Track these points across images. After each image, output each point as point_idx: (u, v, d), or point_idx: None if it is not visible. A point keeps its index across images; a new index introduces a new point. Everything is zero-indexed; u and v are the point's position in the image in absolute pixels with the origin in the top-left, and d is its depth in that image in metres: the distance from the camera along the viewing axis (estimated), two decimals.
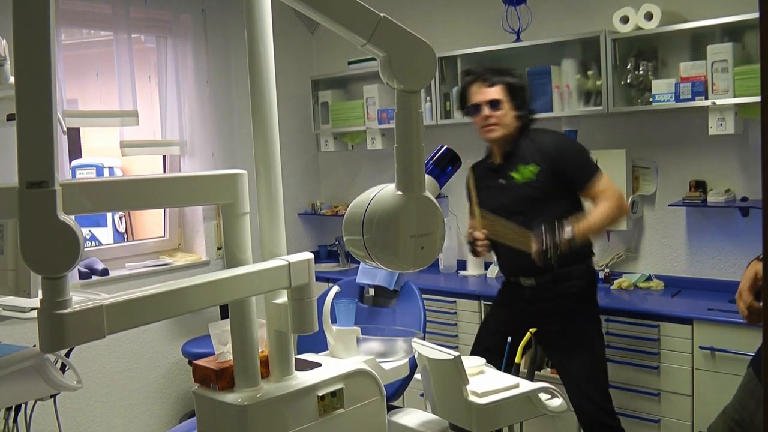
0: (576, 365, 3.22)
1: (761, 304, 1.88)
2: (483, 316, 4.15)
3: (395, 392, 3.06)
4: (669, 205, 3.94)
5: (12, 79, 2.48)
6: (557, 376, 3.72)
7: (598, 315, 3.32)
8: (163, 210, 4.99)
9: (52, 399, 2.51)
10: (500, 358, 2.50)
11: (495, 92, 3.24)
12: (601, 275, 4.12)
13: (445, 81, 4.60)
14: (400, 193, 1.49)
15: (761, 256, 1.99)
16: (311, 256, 1.62)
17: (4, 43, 2.52)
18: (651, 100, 3.76)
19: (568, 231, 2.99)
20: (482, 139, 3.35)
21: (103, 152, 6.36)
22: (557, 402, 2.02)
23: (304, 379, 1.69)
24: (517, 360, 2.53)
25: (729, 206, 3.70)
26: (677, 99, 3.64)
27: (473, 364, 2.10)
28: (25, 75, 1.12)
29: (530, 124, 3.32)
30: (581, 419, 3.25)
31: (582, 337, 3.22)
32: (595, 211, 3.12)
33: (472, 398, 1.91)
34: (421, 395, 2.21)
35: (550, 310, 3.19)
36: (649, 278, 4.07)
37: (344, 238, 1.58)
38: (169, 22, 4.62)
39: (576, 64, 4.08)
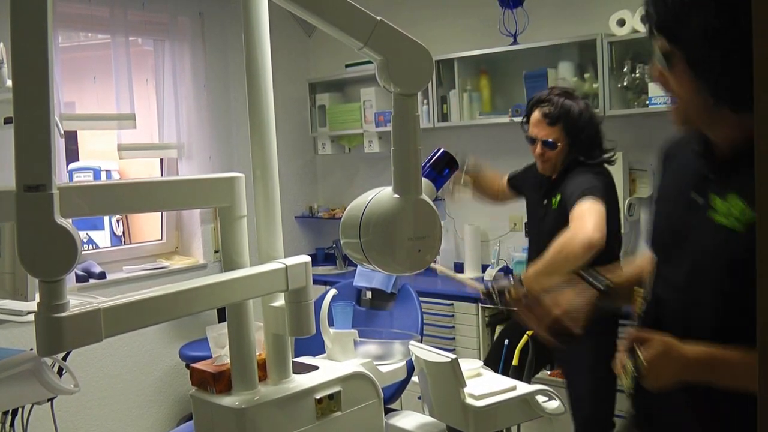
0: (582, 385, 3.19)
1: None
2: (481, 319, 4.15)
3: (393, 395, 3.06)
4: None
5: (9, 82, 2.48)
6: (555, 378, 3.73)
7: (615, 340, 3.26)
8: (160, 213, 4.99)
9: (49, 402, 2.51)
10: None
11: (552, 133, 3.10)
12: None
13: (442, 84, 4.61)
14: (397, 196, 1.49)
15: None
16: (308, 259, 1.62)
17: (2, 45, 2.52)
18: (647, 102, 3.77)
19: (517, 280, 2.91)
20: None
21: (100, 155, 6.37)
22: (555, 404, 2.02)
23: (301, 382, 1.69)
24: (514, 362, 2.53)
25: None
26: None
27: (470, 366, 2.10)
28: (23, 78, 1.12)
29: (585, 162, 3.12)
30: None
31: (595, 356, 3.18)
32: (544, 254, 2.79)
33: (470, 401, 1.91)
34: (419, 398, 2.21)
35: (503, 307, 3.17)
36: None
37: (341, 241, 1.58)
38: (166, 25, 4.62)
39: (573, 66, 4.09)
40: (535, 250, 3.17)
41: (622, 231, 3.99)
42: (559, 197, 3.11)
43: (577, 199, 2.90)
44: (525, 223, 3.47)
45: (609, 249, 2.85)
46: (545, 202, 3.22)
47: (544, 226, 3.19)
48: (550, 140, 3.10)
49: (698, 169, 1.60)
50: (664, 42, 1.47)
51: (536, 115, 3.15)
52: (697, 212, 1.55)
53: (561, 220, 2.99)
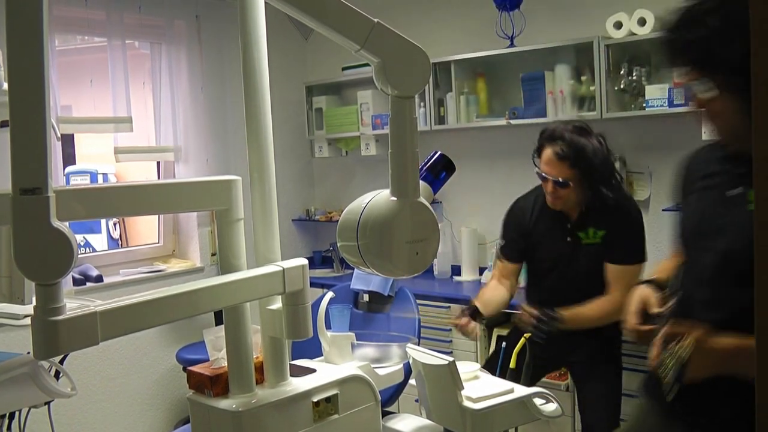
0: (594, 396, 3.19)
1: (649, 326, 1.89)
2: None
3: (390, 398, 3.06)
4: (663, 210, 3.95)
5: (5, 86, 2.48)
6: (552, 381, 3.73)
7: (620, 355, 3.28)
8: (157, 216, 4.98)
9: (46, 406, 2.50)
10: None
11: (564, 172, 2.98)
12: None
13: (439, 86, 4.61)
14: (395, 198, 1.49)
15: (646, 281, 2.01)
16: (305, 262, 1.62)
17: None
18: (644, 105, 3.78)
19: (557, 314, 2.94)
20: None
21: (97, 158, 6.36)
22: (552, 407, 2.02)
23: (298, 384, 1.69)
24: (511, 365, 2.53)
25: None
26: (670, 104, 3.66)
27: (468, 369, 2.10)
28: (19, 81, 1.11)
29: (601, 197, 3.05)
30: None
31: (605, 371, 3.19)
32: (594, 305, 2.99)
33: (467, 403, 1.91)
34: (416, 401, 2.21)
35: (578, 342, 3.15)
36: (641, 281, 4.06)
37: (338, 244, 1.58)
38: (163, 28, 4.62)
39: (570, 69, 4.09)
40: (561, 287, 3.14)
41: None
42: (600, 233, 3.06)
43: (632, 258, 3.02)
44: (538, 264, 3.26)
45: None
46: (569, 239, 3.12)
47: (575, 263, 3.12)
48: (561, 180, 2.99)
49: (730, 169, 1.70)
50: (707, 73, 1.56)
51: (548, 152, 3.02)
52: (734, 207, 1.64)
53: (601, 257, 3.05)
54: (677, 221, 1.96)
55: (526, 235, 3.25)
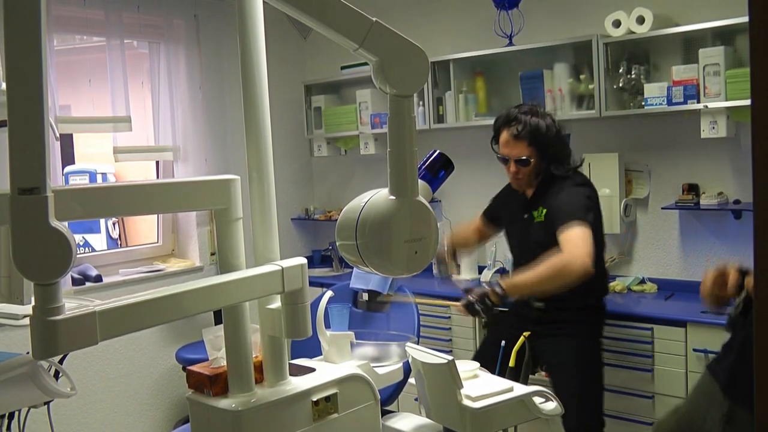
0: (567, 385, 3.18)
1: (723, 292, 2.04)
2: (477, 321, 4.15)
3: (389, 397, 3.06)
4: (662, 208, 3.95)
5: (3, 85, 2.48)
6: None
7: (600, 343, 3.30)
8: (156, 216, 4.98)
9: (46, 406, 2.50)
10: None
11: (524, 150, 3.14)
12: None
13: (437, 85, 4.61)
14: (393, 197, 1.49)
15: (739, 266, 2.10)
16: (304, 261, 1.62)
17: None
18: (643, 103, 3.77)
19: (495, 285, 2.96)
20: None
21: (96, 158, 6.36)
22: (551, 405, 2.03)
23: (298, 384, 1.69)
24: (510, 364, 2.53)
25: (722, 209, 3.71)
26: (669, 102, 3.65)
27: (467, 368, 2.10)
28: (17, 81, 1.11)
29: (561, 175, 3.19)
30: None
31: (580, 359, 3.19)
32: (535, 269, 2.95)
33: (466, 402, 1.91)
34: (416, 399, 2.21)
35: (555, 332, 3.16)
36: (642, 281, 4.07)
37: (337, 243, 1.58)
38: (161, 27, 4.62)
39: (568, 68, 4.09)
40: (521, 262, 3.22)
41: (617, 232, 4.03)
42: (544, 211, 3.17)
43: (565, 222, 2.99)
44: (508, 239, 3.49)
45: (597, 261, 3.04)
46: (526, 216, 3.26)
47: (529, 239, 3.24)
48: (523, 157, 3.15)
49: None
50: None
51: (505, 135, 3.20)
52: None
53: (549, 233, 3.08)
54: None
55: (500, 207, 3.55)
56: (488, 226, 3.64)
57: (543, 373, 3.67)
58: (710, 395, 2.17)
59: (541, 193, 3.22)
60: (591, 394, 3.20)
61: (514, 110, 3.23)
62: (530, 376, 3.25)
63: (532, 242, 3.20)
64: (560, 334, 3.15)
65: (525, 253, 3.23)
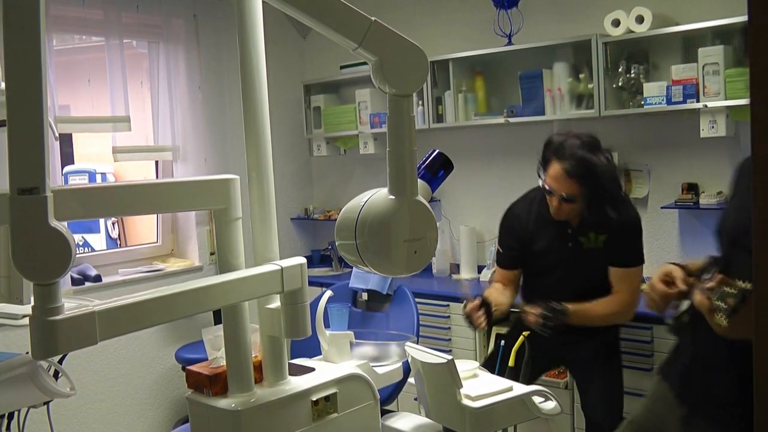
0: (595, 393, 3.21)
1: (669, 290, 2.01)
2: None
3: (389, 396, 3.06)
4: (661, 208, 3.95)
5: (3, 85, 2.48)
6: (551, 379, 3.73)
7: (620, 352, 3.32)
8: (155, 216, 4.98)
9: (46, 406, 2.50)
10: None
11: (572, 188, 2.94)
12: None
13: (437, 85, 4.61)
14: (393, 197, 1.49)
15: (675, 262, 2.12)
16: (304, 260, 1.62)
17: None
18: (643, 103, 3.77)
19: (562, 309, 2.96)
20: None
21: (95, 158, 6.36)
22: (551, 405, 2.03)
23: (297, 383, 1.69)
24: (510, 363, 2.53)
25: (721, 208, 3.69)
26: (669, 102, 3.65)
27: (467, 367, 2.10)
28: (16, 81, 1.11)
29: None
30: None
31: (604, 368, 3.20)
32: (600, 302, 3.03)
33: (466, 402, 1.91)
34: (415, 399, 2.21)
35: (578, 340, 3.15)
36: (642, 281, 4.07)
37: (337, 243, 1.58)
38: (160, 27, 4.62)
39: (568, 67, 4.09)
40: (568, 291, 3.07)
41: None
42: (603, 237, 3.06)
43: (634, 262, 3.10)
44: (538, 273, 3.25)
45: None
46: (570, 244, 3.11)
47: (578, 267, 3.12)
48: (568, 196, 2.96)
49: None
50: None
51: (556, 168, 2.96)
52: None
53: (606, 261, 3.09)
54: (728, 219, 2.15)
55: (524, 243, 3.22)
56: (514, 273, 3.31)
57: (547, 373, 3.67)
58: (665, 401, 2.14)
59: (592, 219, 3.04)
60: (616, 394, 3.23)
61: (570, 141, 2.98)
62: (540, 377, 3.26)
63: (582, 271, 3.11)
64: (584, 341, 3.17)
65: (569, 282, 3.12)
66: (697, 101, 3.56)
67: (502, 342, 2.75)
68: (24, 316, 2.44)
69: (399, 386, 2.91)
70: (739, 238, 2.03)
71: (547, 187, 3.01)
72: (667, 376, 2.18)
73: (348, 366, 1.91)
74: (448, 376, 1.92)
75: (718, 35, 3.60)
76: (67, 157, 6.06)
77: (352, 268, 3.44)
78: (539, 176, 3.08)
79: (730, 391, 1.91)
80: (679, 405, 2.08)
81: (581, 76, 4.06)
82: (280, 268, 1.55)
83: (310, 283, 3.00)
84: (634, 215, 3.12)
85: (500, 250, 3.32)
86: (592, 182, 2.93)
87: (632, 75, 3.88)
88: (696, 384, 2.02)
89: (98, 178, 6.29)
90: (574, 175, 2.92)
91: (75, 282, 4.21)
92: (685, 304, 2.01)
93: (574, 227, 3.10)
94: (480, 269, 4.66)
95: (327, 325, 2.12)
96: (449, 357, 1.93)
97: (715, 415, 1.97)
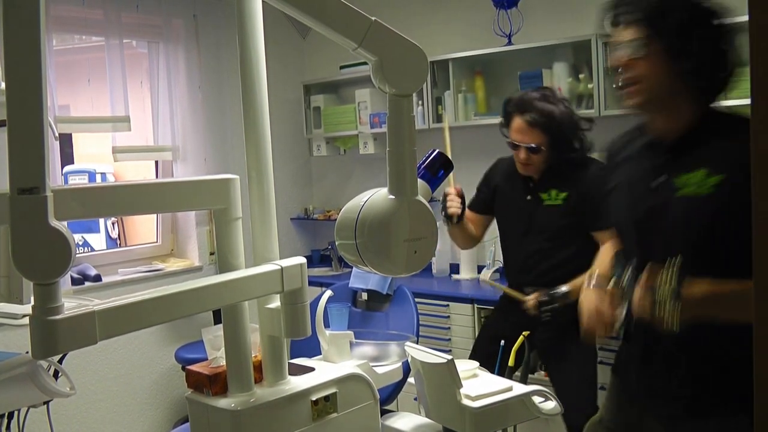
0: (567, 374, 3.21)
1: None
2: (476, 320, 4.15)
3: (389, 396, 3.06)
4: None
5: (2, 85, 2.48)
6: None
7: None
8: (155, 216, 4.98)
9: (45, 406, 2.50)
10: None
11: (536, 138, 3.11)
12: None
13: (437, 85, 4.61)
14: (393, 197, 1.49)
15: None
16: (304, 260, 1.62)
17: None
18: None
19: (563, 288, 3.00)
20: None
21: (95, 158, 6.36)
22: (551, 405, 2.02)
23: (297, 383, 1.69)
24: (510, 363, 2.53)
25: None
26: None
27: (467, 367, 2.10)
28: (16, 81, 1.11)
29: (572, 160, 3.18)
30: (567, 424, 3.24)
31: (576, 348, 3.19)
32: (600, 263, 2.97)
33: (466, 402, 1.91)
34: (415, 399, 2.21)
35: (551, 320, 3.16)
36: None
37: (337, 243, 1.58)
38: (160, 27, 4.62)
39: (567, 67, 4.09)
40: (531, 249, 3.22)
41: None
42: (564, 195, 3.15)
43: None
44: (501, 225, 3.44)
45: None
46: (529, 197, 3.24)
47: (539, 221, 3.21)
48: (534, 145, 3.11)
49: (652, 159, 1.94)
50: (642, 32, 1.80)
51: (519, 121, 3.14)
52: (662, 194, 1.88)
53: (572, 216, 3.11)
54: (613, 211, 2.11)
55: (492, 189, 3.44)
56: (479, 217, 3.52)
57: (542, 373, 3.68)
58: (623, 395, 2.16)
59: (553, 175, 3.18)
60: (588, 382, 3.24)
61: (528, 95, 3.18)
62: (529, 375, 3.26)
63: (541, 226, 3.20)
64: (556, 322, 3.13)
65: (530, 238, 3.23)
66: None
67: (502, 342, 2.75)
68: (24, 315, 2.44)
69: (399, 386, 2.91)
70: (620, 226, 2.07)
71: (513, 142, 3.18)
72: (618, 371, 2.18)
73: (348, 366, 1.91)
74: (448, 376, 1.92)
75: None
76: (67, 157, 6.06)
77: (351, 267, 3.44)
78: (504, 135, 3.26)
79: (682, 385, 1.91)
80: (632, 407, 2.09)
81: (581, 76, 4.06)
82: (280, 267, 1.55)
83: (310, 283, 3.00)
84: (595, 167, 3.09)
85: (475, 192, 3.53)
86: (554, 129, 3.09)
87: None
88: (645, 380, 2.01)
89: (98, 178, 6.29)
90: (536, 124, 3.10)
91: (75, 282, 4.21)
92: (620, 318, 1.95)
93: (535, 182, 3.24)
94: (480, 269, 4.66)
95: (327, 325, 2.12)
96: (449, 357, 1.93)
97: (664, 410, 1.97)
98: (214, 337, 1.73)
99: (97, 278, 4.33)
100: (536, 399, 2.01)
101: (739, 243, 1.63)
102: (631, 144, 2.06)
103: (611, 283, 1.96)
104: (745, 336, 1.48)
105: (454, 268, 4.81)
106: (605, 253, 2.57)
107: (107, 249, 5.87)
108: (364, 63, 1.51)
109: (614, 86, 1.91)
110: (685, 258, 1.76)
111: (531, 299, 3.07)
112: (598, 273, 2.09)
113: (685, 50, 1.78)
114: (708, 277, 1.75)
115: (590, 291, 2.05)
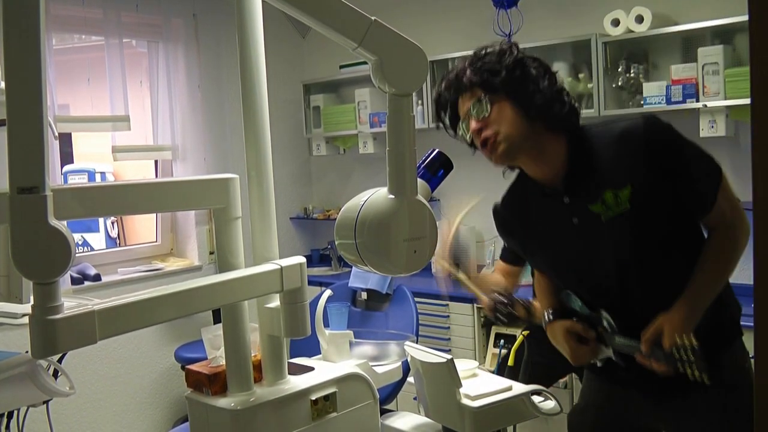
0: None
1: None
2: (476, 320, 4.15)
3: (388, 396, 3.06)
4: None
5: (2, 84, 2.47)
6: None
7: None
8: (155, 215, 4.98)
9: (45, 405, 2.50)
10: None
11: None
12: None
13: (436, 84, 4.60)
14: (392, 196, 1.49)
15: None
16: (303, 260, 1.62)
17: None
18: (642, 102, 3.77)
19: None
20: None
21: (94, 157, 6.36)
22: (550, 404, 2.02)
23: (296, 383, 1.69)
24: (510, 363, 2.53)
25: None
26: (668, 101, 3.65)
27: (466, 367, 2.10)
28: (16, 80, 1.11)
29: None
30: None
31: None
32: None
33: (465, 401, 1.91)
34: (415, 398, 2.21)
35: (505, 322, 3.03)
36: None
37: (336, 242, 1.57)
38: (160, 26, 4.62)
39: (567, 67, 4.09)
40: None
41: None
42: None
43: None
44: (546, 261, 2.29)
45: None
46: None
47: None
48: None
49: (557, 203, 1.98)
50: (481, 91, 1.94)
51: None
52: (589, 225, 1.92)
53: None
54: (543, 260, 2.16)
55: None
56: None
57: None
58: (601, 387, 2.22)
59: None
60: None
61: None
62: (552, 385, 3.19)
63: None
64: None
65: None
66: (697, 101, 3.56)
67: (502, 341, 2.75)
68: (23, 315, 2.44)
69: (398, 386, 2.91)
70: (557, 269, 2.12)
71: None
72: (592, 368, 2.18)
73: (347, 365, 1.91)
74: (448, 375, 1.92)
75: (718, 35, 3.60)
76: (67, 157, 6.06)
77: (351, 267, 3.44)
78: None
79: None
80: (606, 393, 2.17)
81: (581, 75, 4.06)
82: (279, 267, 1.55)
83: (310, 283, 3.00)
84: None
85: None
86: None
87: (632, 75, 3.88)
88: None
89: (98, 177, 6.29)
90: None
91: (74, 281, 4.21)
92: (603, 354, 2.03)
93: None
94: (480, 269, 4.66)
95: (326, 325, 2.12)
96: (449, 356, 1.93)
97: (654, 385, 1.97)
98: (214, 337, 1.73)
99: (97, 278, 4.33)
100: (536, 398, 2.01)
101: (677, 228, 1.93)
102: (524, 200, 2.11)
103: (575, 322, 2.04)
104: (728, 297, 1.98)
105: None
106: (538, 289, 2.26)
107: (107, 248, 5.87)
108: (364, 62, 1.51)
109: (481, 149, 2.01)
110: (645, 268, 1.91)
111: (488, 300, 2.30)
112: (550, 308, 2.13)
113: (524, 91, 1.96)
114: (674, 271, 1.90)
115: (555, 325, 2.08)
